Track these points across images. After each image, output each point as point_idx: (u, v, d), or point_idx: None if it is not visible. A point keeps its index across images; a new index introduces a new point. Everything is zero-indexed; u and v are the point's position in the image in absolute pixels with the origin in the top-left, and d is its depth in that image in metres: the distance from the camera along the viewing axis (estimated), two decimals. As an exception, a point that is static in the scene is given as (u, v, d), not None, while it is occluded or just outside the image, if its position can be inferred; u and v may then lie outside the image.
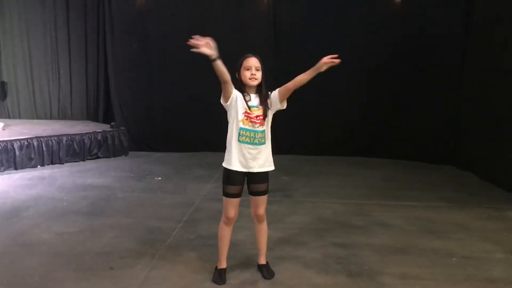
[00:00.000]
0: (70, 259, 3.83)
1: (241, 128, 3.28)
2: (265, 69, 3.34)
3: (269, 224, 4.69)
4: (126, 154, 8.34)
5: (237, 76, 3.33)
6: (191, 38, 3.04)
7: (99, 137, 7.96)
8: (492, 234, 4.59)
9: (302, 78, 3.33)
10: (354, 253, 4.06)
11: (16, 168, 6.92)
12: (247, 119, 3.28)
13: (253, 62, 3.28)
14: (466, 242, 4.38)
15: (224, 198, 3.42)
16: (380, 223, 4.87)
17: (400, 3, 8.12)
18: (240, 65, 3.30)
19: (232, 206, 3.40)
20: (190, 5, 8.59)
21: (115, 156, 8.14)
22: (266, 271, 3.60)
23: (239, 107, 3.27)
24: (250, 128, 3.28)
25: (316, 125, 8.49)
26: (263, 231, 3.61)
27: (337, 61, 3.19)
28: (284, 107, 3.41)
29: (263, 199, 3.48)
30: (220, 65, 3.09)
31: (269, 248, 4.06)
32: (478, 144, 7.10)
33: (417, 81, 8.02)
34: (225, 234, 3.51)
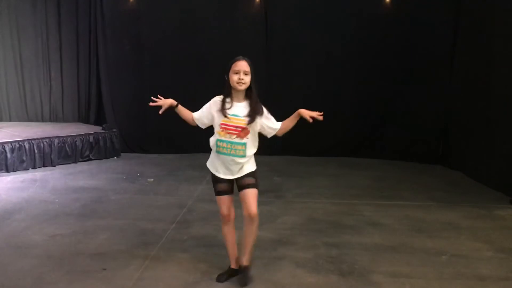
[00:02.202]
0: (62, 261, 3.83)
1: (218, 140, 3.29)
2: (256, 73, 3.31)
3: (261, 225, 4.71)
4: (118, 156, 8.33)
5: (226, 78, 3.30)
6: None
7: (91, 139, 7.95)
8: (481, 232, 4.65)
9: (287, 125, 3.44)
10: (346, 253, 4.10)
11: (7, 171, 6.89)
12: (223, 131, 3.26)
13: (242, 65, 3.22)
14: (456, 240, 4.43)
15: (216, 197, 3.44)
16: (371, 223, 4.91)
17: (390, 3, 8.17)
18: (230, 68, 3.26)
19: (224, 203, 3.40)
20: (181, 7, 8.61)
21: (107, 158, 8.13)
22: (242, 276, 3.45)
23: (215, 119, 3.29)
24: (227, 139, 3.26)
25: (308, 126, 8.48)
26: (252, 232, 3.38)
27: (318, 117, 3.38)
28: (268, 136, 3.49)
29: (252, 193, 3.33)
30: (181, 111, 3.38)
31: (262, 248, 4.09)
32: (468, 144, 7.17)
33: (407, 82, 8.10)
34: (226, 233, 3.51)
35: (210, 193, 4.01)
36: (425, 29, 7.83)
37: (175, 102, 3.35)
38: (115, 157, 8.27)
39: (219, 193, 3.41)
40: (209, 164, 3.44)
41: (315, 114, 3.36)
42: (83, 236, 4.41)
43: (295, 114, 3.39)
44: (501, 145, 6.24)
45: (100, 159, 8.03)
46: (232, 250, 3.54)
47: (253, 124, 3.29)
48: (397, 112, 8.25)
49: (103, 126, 8.50)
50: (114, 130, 8.41)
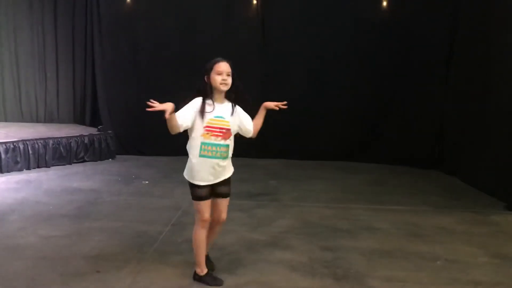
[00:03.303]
0: (56, 263, 3.80)
1: (202, 143, 3.24)
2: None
3: (256, 228, 4.73)
4: (113, 157, 8.30)
5: (206, 80, 3.27)
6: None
7: (86, 140, 7.92)
8: (476, 238, 4.66)
9: (257, 122, 3.45)
10: (341, 257, 4.09)
11: (1, 172, 6.84)
12: (208, 133, 3.23)
13: (224, 67, 3.22)
14: (450, 245, 4.43)
15: (195, 202, 3.37)
16: (366, 227, 4.91)
17: (387, 6, 8.19)
18: (211, 69, 3.24)
19: (206, 208, 3.36)
20: (178, 8, 8.60)
21: (102, 160, 8.10)
22: (209, 263, 3.63)
23: (198, 122, 3.24)
24: (212, 141, 3.24)
25: (305, 130, 8.53)
26: (218, 231, 3.62)
27: (282, 106, 3.39)
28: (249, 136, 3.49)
29: (226, 202, 3.47)
30: (174, 117, 3.13)
31: (257, 252, 4.09)
32: (464, 150, 7.19)
33: (403, 87, 8.12)
34: (203, 238, 3.44)
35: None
36: (421, 33, 7.85)
37: (174, 107, 3.15)
38: (110, 159, 8.24)
39: (201, 198, 3.34)
40: (186, 173, 3.38)
41: (280, 103, 3.41)
42: (78, 238, 4.38)
43: (261, 108, 3.44)
44: (496, 151, 6.26)
45: (95, 160, 7.99)
46: (203, 257, 3.50)
47: (233, 125, 3.31)
48: (393, 116, 8.27)
49: (99, 127, 8.47)
50: (110, 131, 8.38)
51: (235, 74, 3.28)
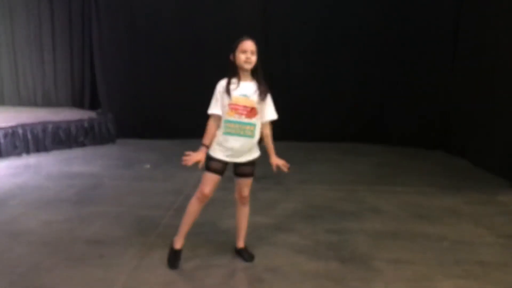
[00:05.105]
0: (59, 248, 3.76)
1: (226, 121, 3.24)
2: (260, 55, 3.28)
3: (261, 211, 4.67)
4: (113, 141, 8.24)
5: (231, 58, 3.27)
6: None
7: (86, 124, 7.84)
8: (483, 218, 4.61)
9: (266, 135, 3.46)
10: (346, 239, 4.05)
11: (1, 156, 6.78)
12: (232, 110, 3.21)
13: (248, 45, 3.21)
14: (457, 226, 4.39)
15: (205, 172, 3.32)
16: (372, 209, 4.87)
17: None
18: (236, 47, 3.24)
19: (212, 183, 3.30)
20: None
21: (102, 144, 8.03)
22: (246, 255, 3.60)
23: (224, 102, 3.23)
24: (236, 119, 3.22)
25: (309, 112, 8.45)
26: (244, 214, 3.59)
27: (283, 167, 3.46)
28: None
29: (249, 182, 3.46)
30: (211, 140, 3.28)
31: (261, 235, 4.05)
32: (470, 130, 7.12)
33: (409, 68, 8.01)
34: (196, 211, 3.39)
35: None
36: (427, 10, 7.72)
37: (205, 153, 3.25)
38: (111, 143, 8.18)
39: (211, 169, 3.30)
40: (211, 151, 3.33)
41: (281, 163, 3.47)
42: (79, 223, 4.34)
43: (270, 155, 3.50)
44: (503, 131, 6.19)
45: (95, 145, 7.93)
46: (187, 229, 3.45)
47: (261, 104, 3.28)
48: (398, 97, 8.19)
49: (98, 111, 8.38)
50: (109, 115, 8.30)
51: (259, 56, 3.26)
